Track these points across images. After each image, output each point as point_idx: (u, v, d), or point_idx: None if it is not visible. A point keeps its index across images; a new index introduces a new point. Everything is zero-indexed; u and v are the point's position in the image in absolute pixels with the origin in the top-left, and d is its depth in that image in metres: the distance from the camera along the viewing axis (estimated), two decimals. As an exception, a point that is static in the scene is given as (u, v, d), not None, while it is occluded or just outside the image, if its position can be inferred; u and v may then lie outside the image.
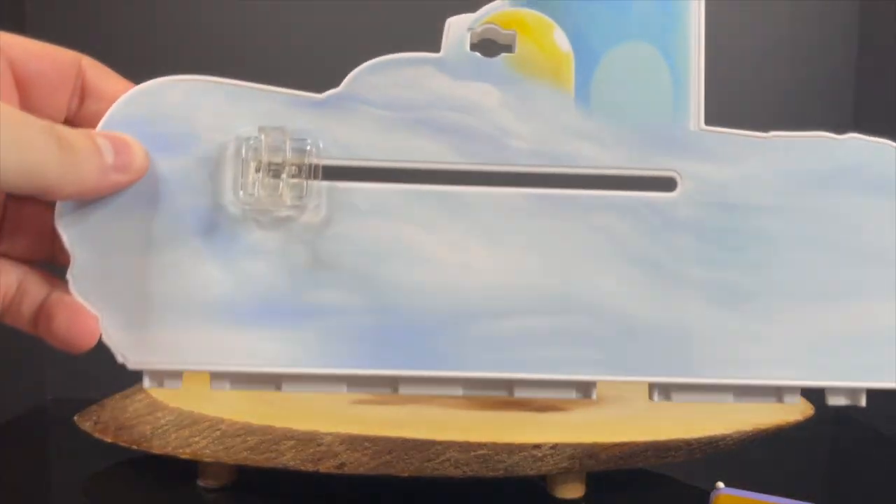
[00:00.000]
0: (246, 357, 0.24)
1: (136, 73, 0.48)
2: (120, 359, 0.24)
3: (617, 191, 0.25)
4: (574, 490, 0.28)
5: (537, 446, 0.35)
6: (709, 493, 0.26)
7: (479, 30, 0.25)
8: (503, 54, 0.25)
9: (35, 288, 0.24)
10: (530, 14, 0.25)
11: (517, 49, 0.25)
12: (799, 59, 0.49)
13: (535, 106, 0.25)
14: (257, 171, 0.24)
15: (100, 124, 0.24)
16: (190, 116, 0.24)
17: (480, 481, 0.29)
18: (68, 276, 0.24)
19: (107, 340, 0.24)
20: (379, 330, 0.25)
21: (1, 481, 0.31)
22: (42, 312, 0.24)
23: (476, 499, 0.28)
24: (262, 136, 0.24)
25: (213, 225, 0.24)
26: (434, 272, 0.25)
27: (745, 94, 0.49)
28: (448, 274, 0.25)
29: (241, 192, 0.24)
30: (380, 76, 0.25)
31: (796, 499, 0.25)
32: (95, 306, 0.24)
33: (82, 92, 0.25)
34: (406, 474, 0.29)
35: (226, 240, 0.24)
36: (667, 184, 0.25)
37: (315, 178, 0.24)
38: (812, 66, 0.50)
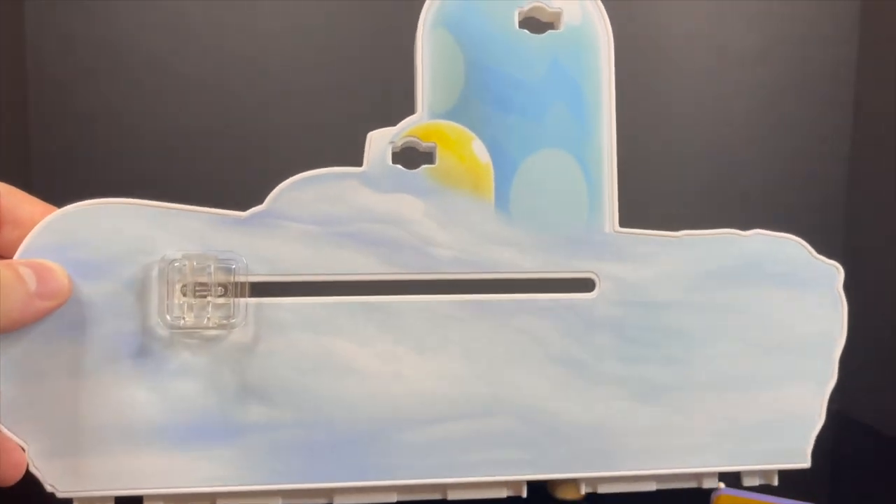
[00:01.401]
0: (178, 479, 0.24)
1: (136, 74, 0.46)
2: (49, 488, 0.24)
3: (538, 294, 0.26)
4: (574, 491, 0.28)
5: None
6: (709, 494, 0.27)
7: (399, 143, 0.26)
8: (424, 166, 0.26)
9: None
10: (449, 126, 0.26)
11: (437, 161, 0.26)
12: (799, 59, 0.49)
13: (457, 215, 0.26)
14: (183, 293, 0.24)
15: (18, 252, 0.24)
16: (111, 240, 0.24)
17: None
18: (-9, 406, 0.24)
19: (33, 470, 0.24)
20: (310, 443, 0.25)
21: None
22: None
23: (476, 500, 0.27)
24: (186, 260, 0.24)
25: (141, 348, 0.24)
26: (363, 383, 0.25)
27: (745, 94, 0.49)
28: (377, 384, 0.25)
29: (167, 316, 0.24)
30: (303, 192, 0.25)
31: (796, 499, 0.26)
32: (20, 436, 0.24)
33: None
34: None
35: (154, 362, 0.24)
36: (586, 284, 0.27)
37: (242, 296, 0.25)
38: (812, 66, 0.49)
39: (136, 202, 0.25)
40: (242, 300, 0.25)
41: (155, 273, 0.24)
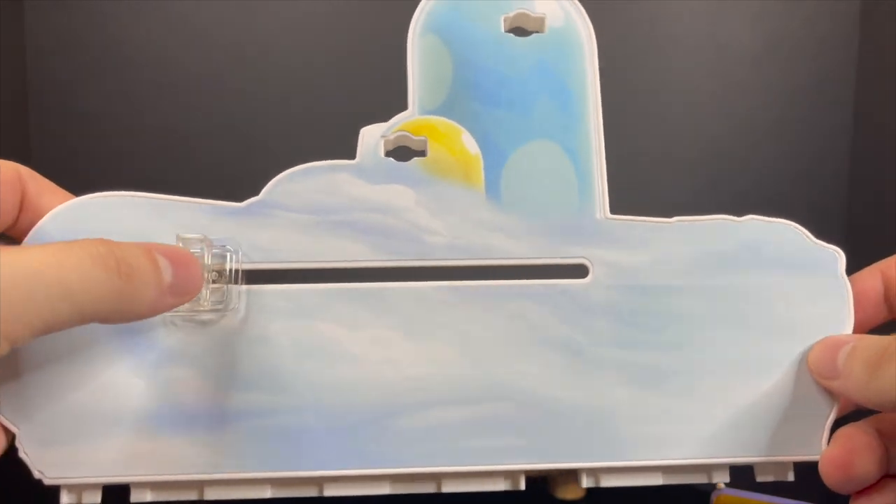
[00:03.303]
0: (167, 465, 0.24)
1: (136, 74, 0.45)
2: (37, 474, 0.24)
3: (531, 280, 0.26)
4: (574, 491, 0.27)
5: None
6: (709, 494, 0.25)
7: (391, 137, 0.27)
8: (415, 158, 0.27)
9: None
10: (439, 121, 0.27)
11: (429, 153, 0.27)
12: (799, 59, 0.49)
13: (449, 203, 0.26)
14: (179, 277, 0.25)
15: (26, 239, 0.25)
16: (112, 229, 0.25)
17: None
18: (-17, 392, 0.24)
19: (22, 456, 0.24)
20: (301, 430, 0.25)
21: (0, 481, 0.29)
22: None
23: (477, 499, 0.26)
24: (180, 244, 0.25)
25: (134, 333, 0.25)
26: (356, 368, 0.25)
27: (745, 94, 0.49)
28: (370, 370, 0.25)
29: (162, 299, 0.24)
30: (298, 183, 0.26)
31: (796, 499, 0.25)
32: (11, 421, 0.24)
33: (20, 205, 0.26)
34: None
35: (146, 347, 0.25)
36: (579, 271, 0.26)
37: (236, 282, 0.25)
38: (812, 66, 0.49)
39: (138, 195, 0.26)
40: (236, 286, 0.25)
41: (153, 259, 0.25)
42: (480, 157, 0.27)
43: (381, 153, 0.26)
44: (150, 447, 0.24)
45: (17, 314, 0.19)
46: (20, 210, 0.26)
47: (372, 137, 0.27)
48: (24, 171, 0.26)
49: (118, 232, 0.25)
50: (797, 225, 0.27)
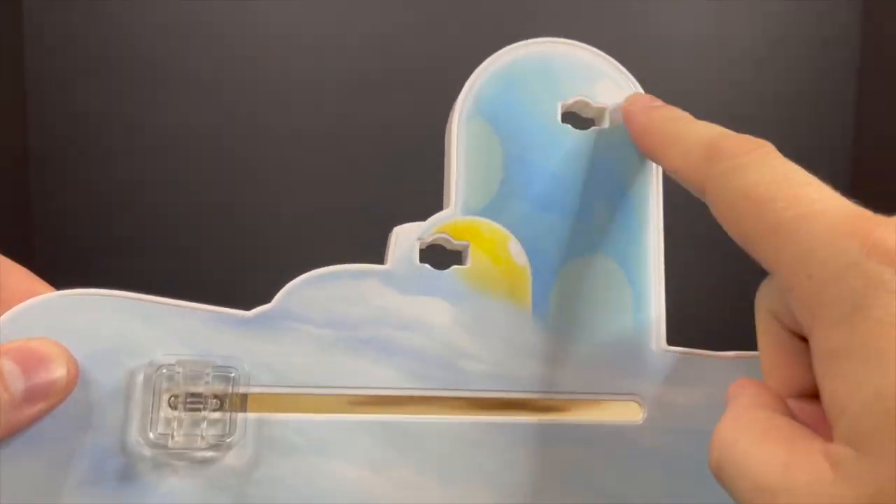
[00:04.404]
0: None
1: (136, 74, 0.43)
2: None
3: (580, 417, 0.23)
4: None
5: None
6: None
7: (428, 239, 0.23)
8: (454, 266, 0.23)
9: None
10: (485, 224, 0.23)
11: (470, 261, 0.23)
12: (799, 59, 0.48)
13: (491, 323, 0.23)
14: (171, 405, 0.20)
15: (-24, 348, 0.20)
16: (92, 337, 0.20)
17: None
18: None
19: None
20: None
21: None
22: None
23: None
24: (179, 367, 0.20)
25: (118, 471, 0.20)
26: (380, 519, 0.21)
27: (746, 94, 0.48)
28: (396, 521, 0.22)
29: (150, 433, 0.20)
30: (318, 290, 0.22)
31: None
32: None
33: None
34: None
35: (133, 489, 0.20)
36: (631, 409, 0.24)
37: (241, 410, 0.21)
38: (813, 66, 0.49)
39: (121, 294, 0.21)
40: (241, 415, 0.21)
41: (139, 380, 0.20)
42: (529, 269, 0.23)
43: (416, 259, 0.23)
44: None
45: None
46: None
47: (406, 240, 0.23)
48: None
49: (91, 341, 0.20)
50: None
